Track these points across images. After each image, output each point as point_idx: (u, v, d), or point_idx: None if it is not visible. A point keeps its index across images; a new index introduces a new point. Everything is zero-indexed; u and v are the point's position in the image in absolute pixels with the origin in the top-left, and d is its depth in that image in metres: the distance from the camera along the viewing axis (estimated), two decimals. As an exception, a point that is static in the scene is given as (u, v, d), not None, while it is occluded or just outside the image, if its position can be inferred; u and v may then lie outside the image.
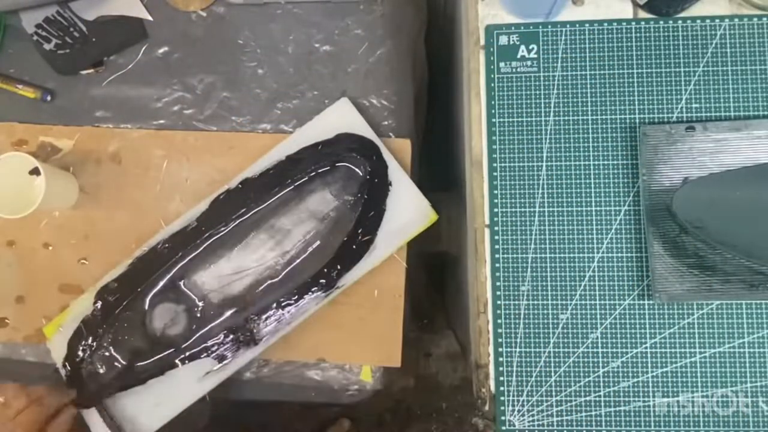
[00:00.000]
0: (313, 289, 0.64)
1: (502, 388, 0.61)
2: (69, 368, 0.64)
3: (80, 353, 0.64)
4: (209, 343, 0.64)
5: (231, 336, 0.64)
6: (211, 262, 0.66)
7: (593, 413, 0.60)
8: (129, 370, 0.64)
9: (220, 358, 0.63)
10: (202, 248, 0.66)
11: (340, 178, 0.66)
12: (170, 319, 0.65)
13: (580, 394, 0.60)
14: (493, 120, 0.64)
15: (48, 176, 0.62)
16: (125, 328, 0.65)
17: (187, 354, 0.64)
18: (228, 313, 0.65)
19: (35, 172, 0.64)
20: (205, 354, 0.64)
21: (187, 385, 0.63)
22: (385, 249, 0.64)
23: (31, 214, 0.62)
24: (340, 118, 0.66)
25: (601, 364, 0.61)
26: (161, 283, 0.65)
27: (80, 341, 0.64)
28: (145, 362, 0.64)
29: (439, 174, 0.93)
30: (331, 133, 0.66)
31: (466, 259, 0.72)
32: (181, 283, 0.65)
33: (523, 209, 0.63)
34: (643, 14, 0.64)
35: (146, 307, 0.65)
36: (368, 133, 0.66)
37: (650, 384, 0.60)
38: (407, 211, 0.65)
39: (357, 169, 0.66)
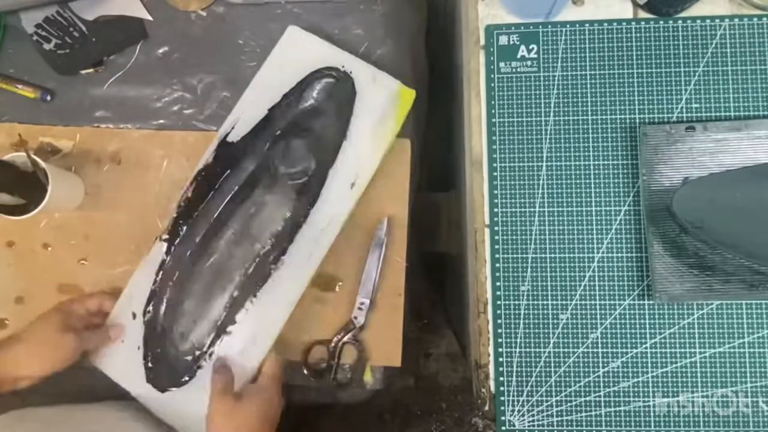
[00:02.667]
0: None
1: (502, 388, 0.61)
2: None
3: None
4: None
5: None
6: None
7: (593, 413, 0.60)
8: None
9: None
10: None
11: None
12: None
13: (580, 394, 0.60)
14: (493, 120, 0.64)
15: (54, 178, 0.62)
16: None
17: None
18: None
19: (38, 178, 0.63)
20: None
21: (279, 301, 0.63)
22: (360, 139, 0.64)
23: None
24: (295, 53, 0.66)
25: (601, 364, 0.61)
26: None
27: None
28: None
29: (439, 174, 0.93)
30: (293, 76, 0.65)
31: (466, 259, 0.72)
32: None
33: (523, 209, 0.63)
34: (643, 14, 0.64)
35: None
36: (329, 59, 0.65)
37: (650, 384, 0.60)
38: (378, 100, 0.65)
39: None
